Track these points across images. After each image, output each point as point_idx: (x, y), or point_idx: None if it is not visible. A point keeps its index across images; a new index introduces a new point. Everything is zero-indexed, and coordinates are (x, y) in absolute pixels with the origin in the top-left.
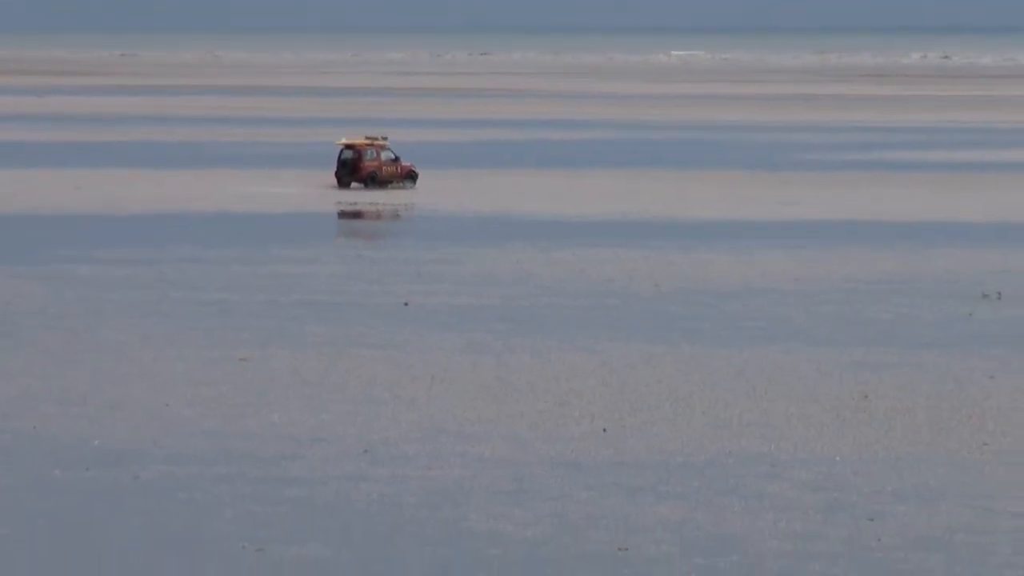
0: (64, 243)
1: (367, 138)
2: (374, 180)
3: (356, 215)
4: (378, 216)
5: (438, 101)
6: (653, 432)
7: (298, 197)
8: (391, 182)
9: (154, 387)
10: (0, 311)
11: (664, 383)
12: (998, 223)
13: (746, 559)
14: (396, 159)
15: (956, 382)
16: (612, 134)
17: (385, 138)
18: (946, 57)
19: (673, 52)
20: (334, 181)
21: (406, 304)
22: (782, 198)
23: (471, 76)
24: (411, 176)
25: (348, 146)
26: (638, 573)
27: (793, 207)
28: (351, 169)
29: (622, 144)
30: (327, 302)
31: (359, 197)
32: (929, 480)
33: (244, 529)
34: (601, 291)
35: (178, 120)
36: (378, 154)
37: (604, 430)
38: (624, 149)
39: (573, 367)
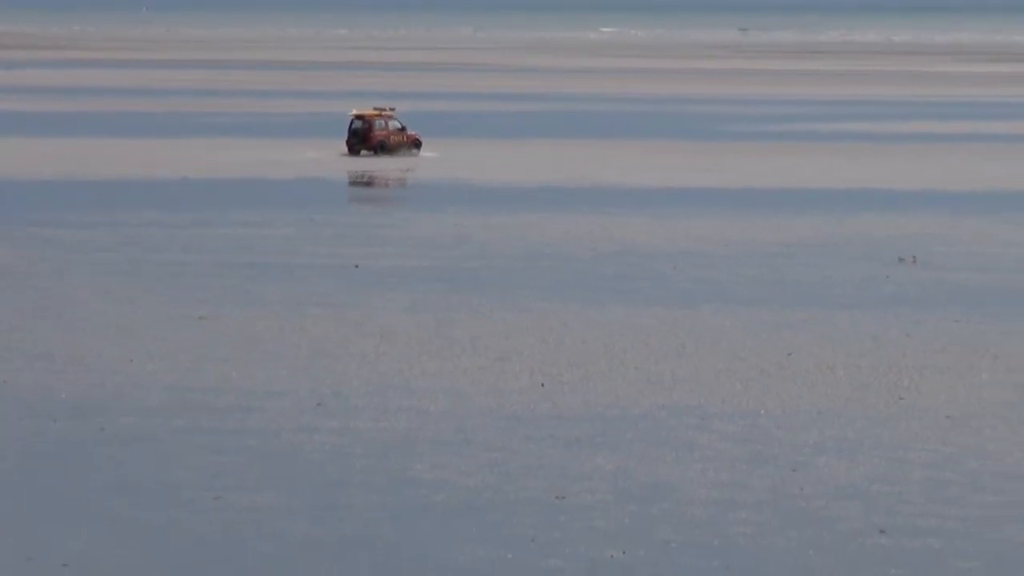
0: (40, 208)
1: (375, 108)
2: (383, 148)
3: (362, 181)
4: (369, 182)
5: (380, 75)
6: (589, 387)
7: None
8: (398, 149)
9: (118, 344)
10: None
11: (599, 340)
12: (913, 191)
13: (676, 507)
14: (403, 128)
15: (874, 340)
16: (547, 106)
17: (393, 109)
18: (849, 34)
19: (602, 28)
20: (346, 149)
21: (356, 266)
22: (709, 166)
23: (408, 51)
24: (416, 144)
25: (359, 116)
26: (574, 519)
27: (719, 175)
28: (362, 138)
29: (557, 116)
30: (282, 264)
31: (363, 164)
32: (848, 433)
33: (203, 478)
34: (539, 254)
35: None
36: (386, 124)
37: (542, 385)
38: (560, 121)
39: (512, 325)
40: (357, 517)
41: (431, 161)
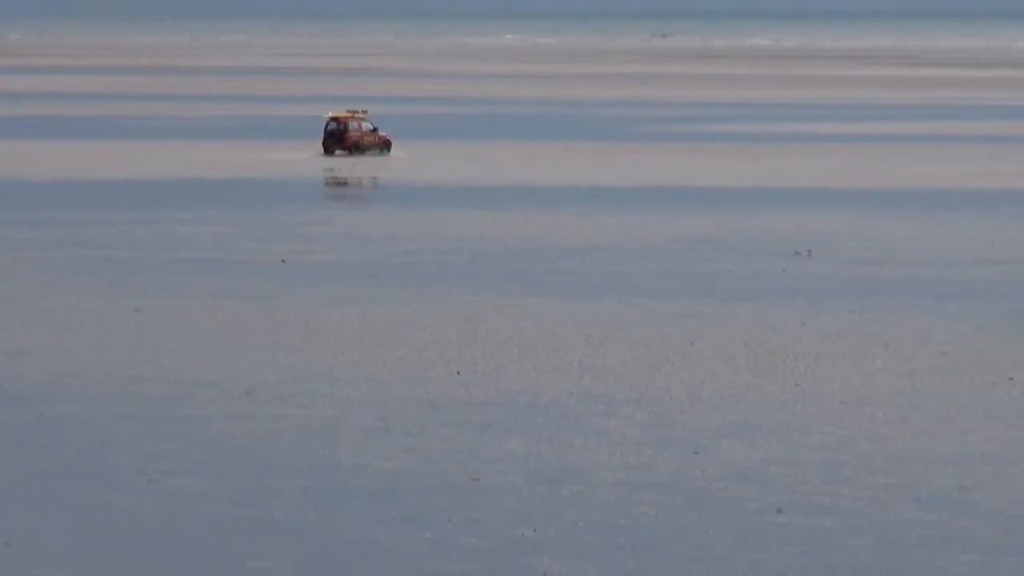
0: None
1: (349, 111)
2: (357, 148)
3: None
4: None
5: (306, 80)
6: (502, 375)
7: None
8: (370, 150)
9: (58, 335)
10: None
11: (511, 331)
12: (808, 188)
13: (585, 488)
14: (375, 129)
15: (771, 330)
16: (466, 109)
17: (365, 111)
18: (774, 42)
19: (507, 35)
20: (321, 149)
21: (283, 261)
22: (619, 165)
23: (326, 57)
24: (387, 144)
25: (334, 118)
26: (488, 500)
27: (628, 174)
28: (337, 139)
29: (475, 118)
30: (212, 259)
31: (335, 163)
32: (747, 418)
33: (138, 462)
34: (455, 249)
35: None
36: (360, 125)
37: (458, 373)
38: (477, 122)
39: (430, 317)
40: (284, 499)
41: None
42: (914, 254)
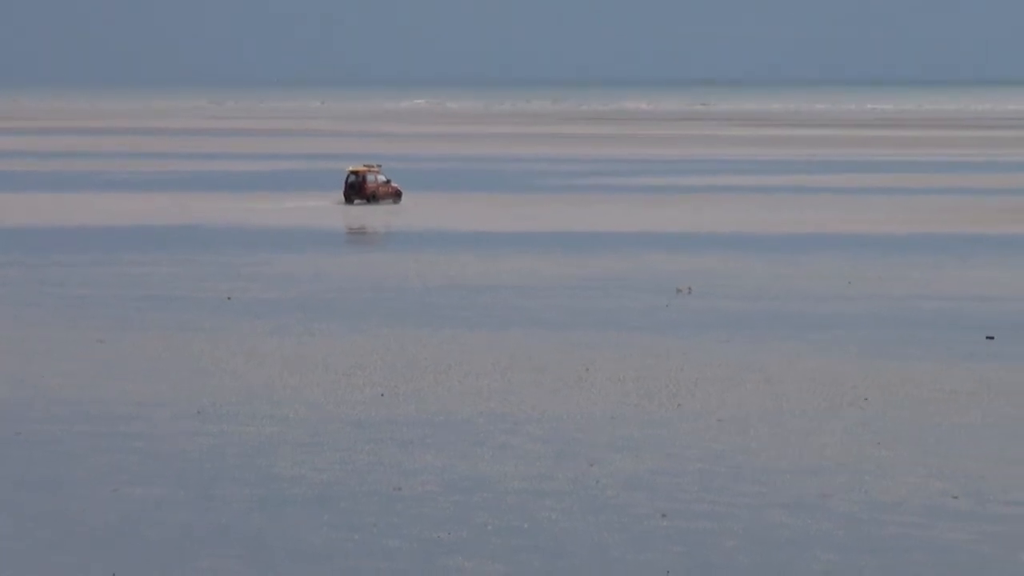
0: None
1: (366, 165)
2: (374, 198)
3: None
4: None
5: (232, 140)
6: (420, 397)
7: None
8: (384, 199)
9: (29, 362)
10: None
11: (430, 359)
12: (689, 233)
13: (493, 496)
14: (388, 181)
15: (656, 357)
16: (387, 164)
17: (379, 166)
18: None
19: (416, 100)
20: (342, 199)
21: (229, 298)
22: (524, 215)
23: (265, 120)
24: (397, 194)
25: (354, 172)
26: (409, 507)
27: (534, 221)
28: (357, 190)
29: (393, 173)
30: (166, 296)
31: (351, 211)
32: (635, 434)
33: (103, 474)
34: (380, 287)
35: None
36: (376, 178)
37: (382, 395)
38: (396, 176)
39: (357, 346)
40: (231, 506)
41: (282, 214)
42: (781, 290)
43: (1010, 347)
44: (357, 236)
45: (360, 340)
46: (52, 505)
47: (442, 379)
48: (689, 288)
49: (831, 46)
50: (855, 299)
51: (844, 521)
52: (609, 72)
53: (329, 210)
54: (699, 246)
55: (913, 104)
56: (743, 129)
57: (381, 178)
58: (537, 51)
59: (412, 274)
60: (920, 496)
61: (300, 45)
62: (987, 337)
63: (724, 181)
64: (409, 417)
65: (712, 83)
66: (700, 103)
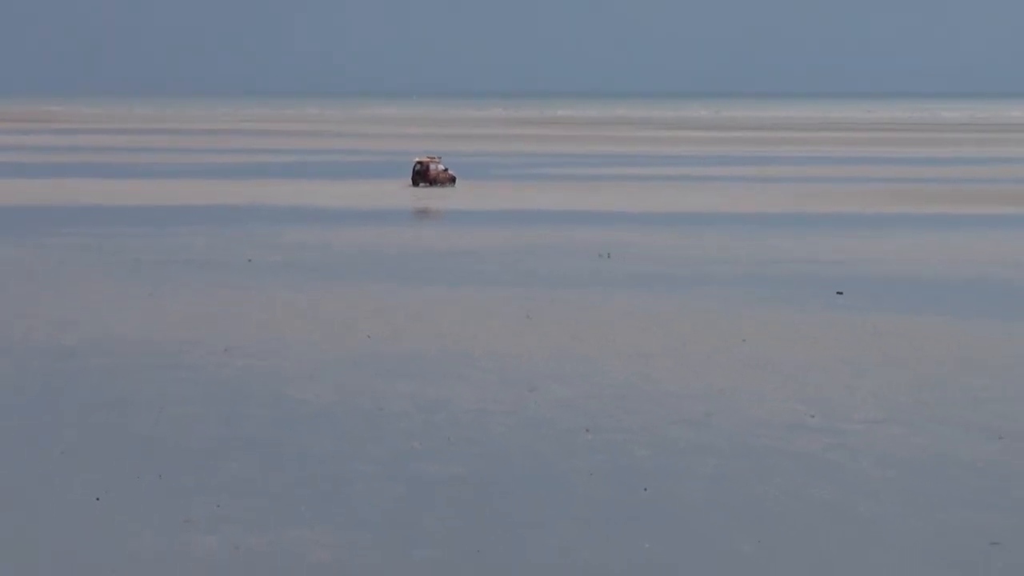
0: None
1: (428, 156)
2: (436, 182)
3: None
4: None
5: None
6: (398, 338)
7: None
8: (444, 184)
9: (94, 311)
10: None
11: (403, 309)
12: (611, 212)
13: (453, 414)
14: (446, 169)
15: (583, 307)
16: (368, 157)
17: (440, 157)
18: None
19: (393, 108)
20: (410, 183)
21: (250, 260)
22: (479, 196)
23: (274, 123)
24: (452, 180)
25: (419, 162)
26: (389, 423)
27: (490, 202)
28: (422, 176)
29: (367, 164)
30: (202, 260)
31: (414, 192)
32: (566, 367)
33: (152, 398)
34: (380, 254)
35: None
36: (437, 166)
37: (368, 337)
38: (383, 168)
39: (350, 299)
40: (252, 422)
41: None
42: (680, 256)
43: (855, 300)
44: (378, 214)
45: (353, 294)
46: (112, 422)
47: (415, 325)
48: (609, 254)
49: (733, 63)
50: (735, 263)
51: (725, 434)
52: (547, 85)
53: (397, 191)
54: (616, 222)
55: (795, 112)
56: (658, 131)
57: (440, 167)
58: (489, 64)
59: (389, 243)
60: (784, 415)
61: (296, 59)
62: (837, 292)
63: (636, 172)
64: (389, 354)
65: (636, 95)
66: (621, 111)
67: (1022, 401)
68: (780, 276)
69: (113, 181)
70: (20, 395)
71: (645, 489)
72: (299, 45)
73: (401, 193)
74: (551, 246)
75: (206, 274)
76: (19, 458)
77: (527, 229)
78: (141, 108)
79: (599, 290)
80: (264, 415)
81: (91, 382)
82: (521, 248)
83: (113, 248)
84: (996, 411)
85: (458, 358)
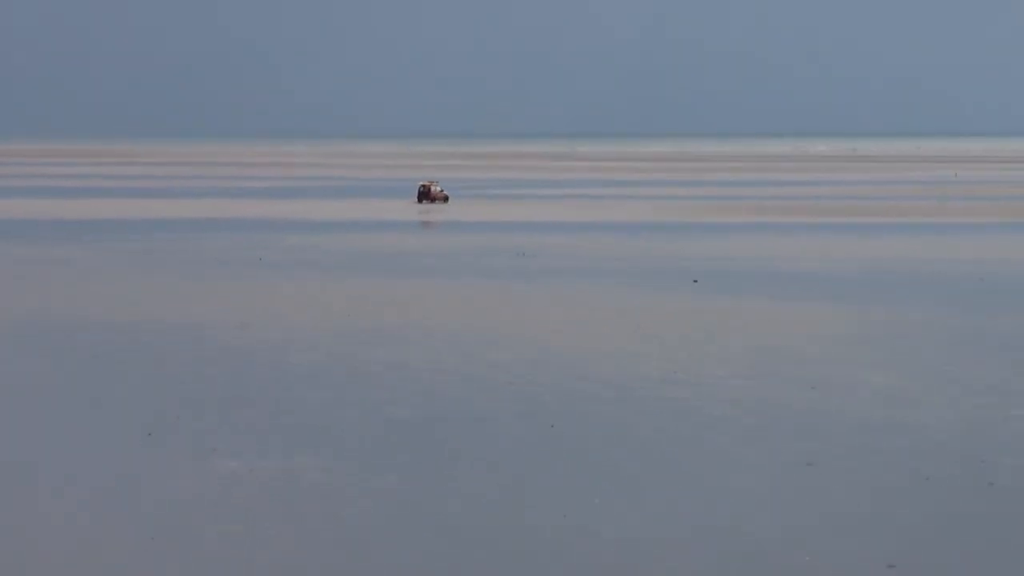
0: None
1: (429, 180)
2: (435, 200)
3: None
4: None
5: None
6: (377, 319)
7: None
8: (441, 202)
9: (140, 298)
10: None
11: (388, 298)
12: (531, 222)
13: (416, 372)
14: (442, 190)
15: (515, 293)
16: (373, 184)
17: (437, 181)
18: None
19: (377, 146)
20: (415, 200)
21: (260, 259)
22: (434, 209)
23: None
24: (446, 199)
25: (423, 184)
26: (371, 381)
27: (442, 216)
28: (426, 195)
29: (375, 186)
30: (222, 259)
31: (417, 208)
32: (498, 335)
33: (181, 363)
34: (371, 254)
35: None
36: (435, 188)
37: (351, 317)
38: (376, 189)
39: (342, 288)
40: (261, 382)
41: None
42: (581, 255)
43: (708, 287)
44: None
45: (346, 285)
46: (149, 382)
47: (387, 309)
48: (524, 253)
49: (625, 105)
50: (619, 259)
51: (614, 386)
52: (495, 127)
53: (404, 207)
54: (534, 229)
55: (662, 148)
56: (579, 162)
57: (438, 188)
58: (445, 108)
59: (381, 247)
60: (656, 372)
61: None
62: (693, 280)
63: (556, 192)
64: (370, 329)
65: (572, 135)
66: (564, 147)
67: (831, 361)
68: (650, 268)
69: (173, 200)
70: (94, 361)
71: (552, 425)
72: (299, 97)
73: (408, 209)
74: (482, 248)
75: (229, 269)
76: (94, 405)
77: (465, 236)
78: (182, 147)
79: (519, 280)
80: (271, 376)
81: (131, 356)
82: (461, 250)
83: (163, 250)
84: (812, 369)
85: (418, 331)
